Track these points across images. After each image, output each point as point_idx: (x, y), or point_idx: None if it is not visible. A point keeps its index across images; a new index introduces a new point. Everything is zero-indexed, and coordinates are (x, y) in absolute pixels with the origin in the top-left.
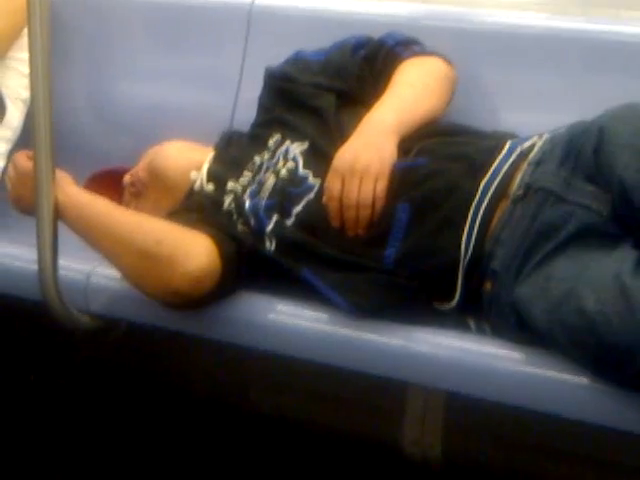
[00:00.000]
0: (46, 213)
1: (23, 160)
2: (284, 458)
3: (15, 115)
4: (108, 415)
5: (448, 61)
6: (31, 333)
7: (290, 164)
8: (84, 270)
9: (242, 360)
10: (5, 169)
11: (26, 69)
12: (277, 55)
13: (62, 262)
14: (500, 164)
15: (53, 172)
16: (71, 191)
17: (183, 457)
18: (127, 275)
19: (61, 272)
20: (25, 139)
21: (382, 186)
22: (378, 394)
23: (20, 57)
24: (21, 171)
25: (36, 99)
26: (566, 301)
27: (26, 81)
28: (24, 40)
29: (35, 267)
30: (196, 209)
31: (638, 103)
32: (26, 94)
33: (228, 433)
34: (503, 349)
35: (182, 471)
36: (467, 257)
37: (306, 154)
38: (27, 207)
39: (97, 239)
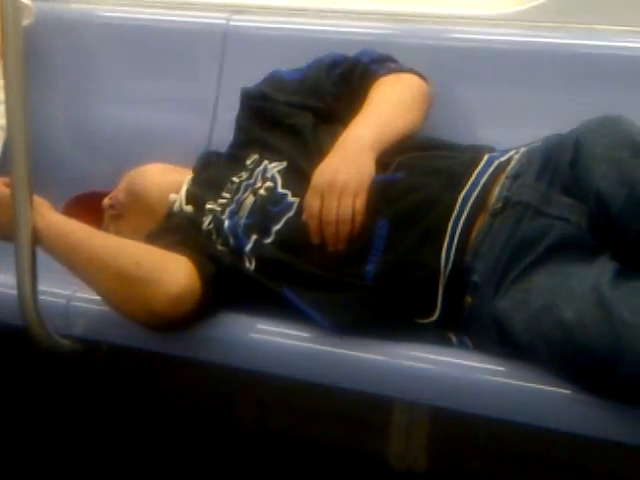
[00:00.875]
0: (25, 239)
1: (0, 187)
2: (269, 474)
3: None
4: (92, 436)
5: (424, 77)
6: (13, 357)
7: (269, 184)
8: (64, 294)
9: (225, 377)
10: None
11: (3, 96)
12: (253, 75)
13: (42, 287)
14: (478, 177)
15: (31, 198)
16: (49, 216)
17: (168, 475)
18: (107, 298)
19: (41, 297)
20: (3, 166)
21: (361, 202)
22: (363, 408)
23: None
24: None
25: (13, 126)
26: (545, 313)
27: (3, 108)
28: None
29: (15, 292)
30: (175, 230)
31: (613, 115)
32: (3, 121)
33: (213, 450)
34: (484, 362)
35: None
36: (447, 271)
37: (284, 173)
38: (5, 233)
39: (76, 263)
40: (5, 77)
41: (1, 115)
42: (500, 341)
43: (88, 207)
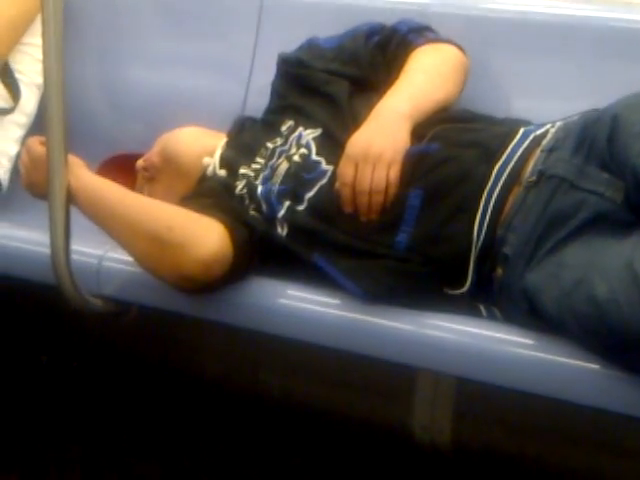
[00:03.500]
0: (58, 198)
1: (36, 145)
2: (293, 442)
3: (30, 100)
4: (119, 397)
5: (461, 48)
6: (44, 315)
7: (303, 150)
8: (96, 254)
9: (253, 343)
10: (19, 154)
11: (40, 55)
12: (289, 41)
13: (75, 246)
14: (513, 150)
15: (66, 157)
16: (84, 176)
17: (193, 439)
18: (139, 259)
19: (74, 256)
20: (39, 124)
21: (395, 172)
22: (388, 379)
23: (34, 42)
24: (34, 156)
25: (49, 85)
26: (577, 289)
27: (40, 66)
28: (38, 26)
29: (48, 251)
30: (208, 194)
31: None
32: (40, 80)
33: (238, 416)
34: (514, 335)
35: (192, 452)
36: (479, 243)
37: (319, 140)
38: (40, 192)
39: (109, 224)
40: (43, 36)
41: (38, 74)
42: (530, 314)
43: (122, 169)
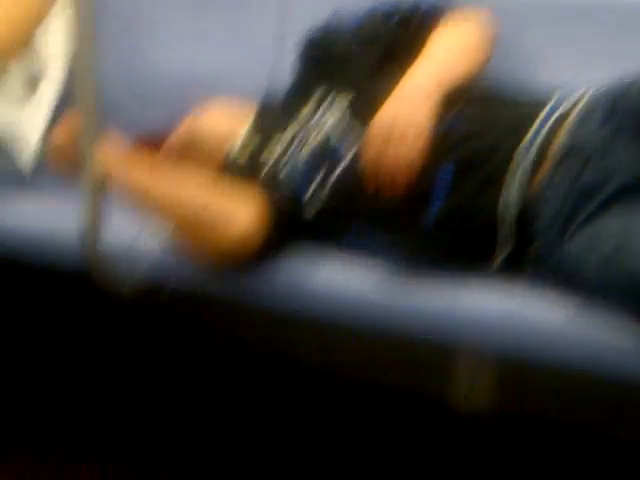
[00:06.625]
0: (91, 177)
1: (70, 123)
2: (333, 412)
3: (57, 70)
4: (156, 376)
5: (485, 22)
6: (75, 298)
7: (326, 131)
8: (128, 236)
9: (289, 318)
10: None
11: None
12: (314, 17)
13: (106, 229)
14: (541, 124)
15: (98, 137)
16: (117, 154)
17: (234, 418)
18: (177, 236)
19: (105, 239)
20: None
21: (420, 149)
22: (428, 352)
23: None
24: (68, 135)
25: (80, 62)
26: (616, 256)
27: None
28: None
29: (79, 234)
30: (236, 174)
31: None
32: (67, 49)
33: (278, 392)
34: (550, 307)
35: (237, 425)
36: (509, 217)
37: (342, 121)
38: (73, 171)
39: (142, 203)
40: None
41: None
42: (567, 286)
43: (151, 149)
